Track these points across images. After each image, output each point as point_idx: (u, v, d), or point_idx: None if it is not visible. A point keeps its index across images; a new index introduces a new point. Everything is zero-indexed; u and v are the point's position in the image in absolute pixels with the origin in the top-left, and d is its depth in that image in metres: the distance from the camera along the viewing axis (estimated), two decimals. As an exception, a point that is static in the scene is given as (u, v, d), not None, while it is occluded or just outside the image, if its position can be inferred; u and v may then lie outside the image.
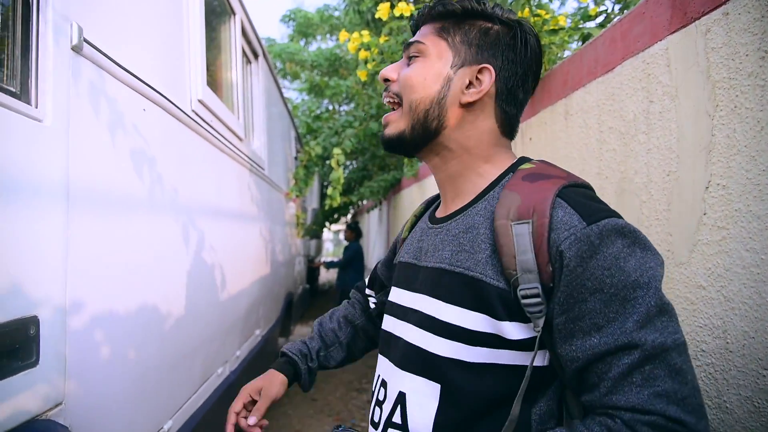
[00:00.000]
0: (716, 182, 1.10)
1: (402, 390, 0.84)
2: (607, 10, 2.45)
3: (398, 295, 0.95)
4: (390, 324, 0.95)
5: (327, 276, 14.44)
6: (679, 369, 0.66)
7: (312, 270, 7.72)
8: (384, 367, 0.92)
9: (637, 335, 0.66)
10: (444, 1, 0.88)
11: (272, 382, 1.09)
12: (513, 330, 0.74)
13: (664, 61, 1.29)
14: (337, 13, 9.63)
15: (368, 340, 1.24)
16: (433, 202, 1.05)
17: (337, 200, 3.71)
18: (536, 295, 0.71)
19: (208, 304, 1.97)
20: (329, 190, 3.72)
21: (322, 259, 10.05)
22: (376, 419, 0.90)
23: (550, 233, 0.71)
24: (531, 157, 0.90)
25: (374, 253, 9.32)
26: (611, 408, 0.68)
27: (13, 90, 0.90)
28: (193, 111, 1.80)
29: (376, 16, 2.53)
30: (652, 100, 1.34)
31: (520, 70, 0.87)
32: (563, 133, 1.91)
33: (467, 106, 0.85)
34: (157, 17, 1.58)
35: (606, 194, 1.57)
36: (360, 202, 7.75)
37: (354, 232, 7.23)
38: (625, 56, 1.49)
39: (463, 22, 0.87)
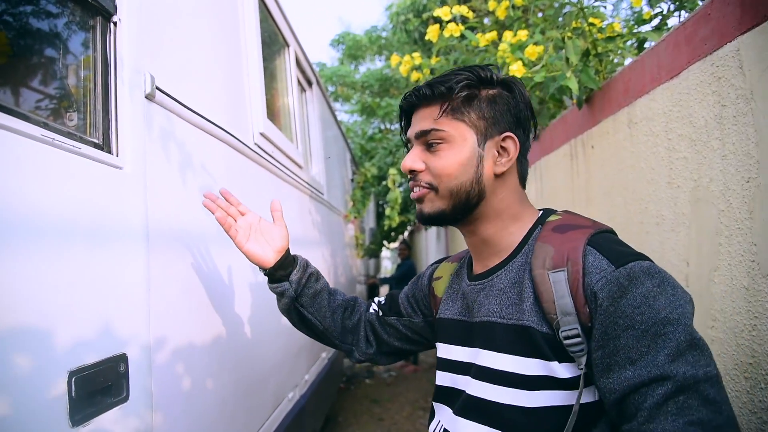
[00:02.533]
0: (804, 188, 1.03)
1: None
2: (662, 11, 2.38)
3: (451, 351, 1.01)
4: (447, 379, 1.00)
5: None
6: (713, 400, 0.69)
7: (372, 289, 7.78)
8: (446, 415, 0.98)
9: (669, 368, 0.70)
10: (444, 82, 0.90)
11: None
12: (562, 369, 0.79)
13: (735, 63, 1.23)
14: (384, 33, 9.76)
15: (345, 328, 1.24)
16: (462, 258, 1.11)
17: (396, 220, 3.73)
18: (577, 335, 0.78)
19: (277, 330, 2.01)
20: (387, 211, 3.74)
21: (379, 276, 10.09)
22: None
23: (584, 278, 0.78)
24: (555, 209, 0.98)
25: (433, 269, 9.27)
26: None
27: (97, 141, 0.96)
28: (255, 144, 1.86)
29: (426, 38, 2.54)
30: (724, 104, 1.29)
31: (526, 124, 0.95)
32: (628, 143, 1.85)
33: (500, 175, 0.92)
34: (218, 58, 1.65)
35: (679, 204, 1.51)
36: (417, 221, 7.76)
37: (409, 248, 7.30)
38: (691, 60, 1.43)
39: (471, 98, 0.90)
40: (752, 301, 1.20)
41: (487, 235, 0.94)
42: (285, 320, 2.14)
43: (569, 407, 0.79)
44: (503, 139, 0.91)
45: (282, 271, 1.18)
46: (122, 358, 0.94)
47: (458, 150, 0.90)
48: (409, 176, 0.95)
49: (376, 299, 1.28)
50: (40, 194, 0.79)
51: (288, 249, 1.20)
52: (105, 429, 0.89)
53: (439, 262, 1.20)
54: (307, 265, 1.23)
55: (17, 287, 0.73)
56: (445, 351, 1.02)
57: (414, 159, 0.93)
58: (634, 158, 1.81)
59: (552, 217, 0.93)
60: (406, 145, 0.99)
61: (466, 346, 0.96)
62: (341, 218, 4.49)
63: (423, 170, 0.92)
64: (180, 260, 1.23)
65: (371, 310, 1.25)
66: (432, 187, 0.91)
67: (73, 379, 0.82)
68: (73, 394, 0.82)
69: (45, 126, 0.82)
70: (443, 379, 1.02)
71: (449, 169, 0.89)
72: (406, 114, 0.99)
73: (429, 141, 0.91)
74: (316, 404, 2.74)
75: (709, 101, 1.35)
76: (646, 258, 0.79)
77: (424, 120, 0.92)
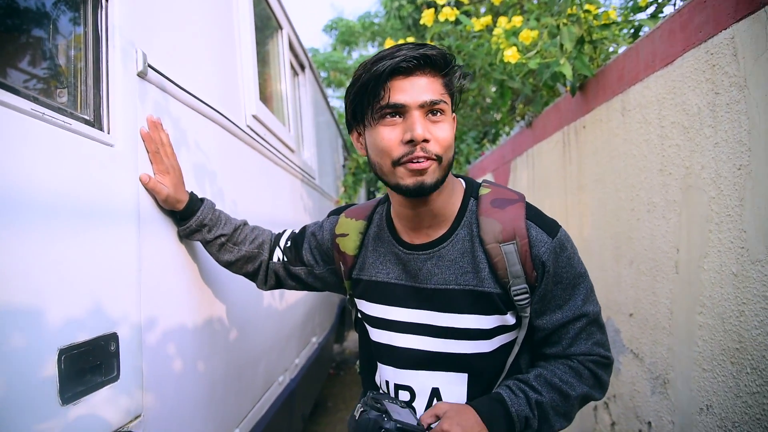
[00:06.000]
0: (795, 175, 1.04)
1: (434, 386, 1.04)
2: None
3: (389, 312, 1.08)
4: (386, 337, 1.09)
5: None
6: (602, 325, 1.06)
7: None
8: (395, 373, 1.08)
9: (584, 308, 1.02)
10: (438, 53, 0.92)
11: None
12: (510, 318, 1.01)
13: (730, 50, 1.24)
14: (377, 20, 9.69)
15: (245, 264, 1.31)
16: (369, 217, 1.15)
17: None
18: (525, 292, 0.98)
19: (268, 314, 2.01)
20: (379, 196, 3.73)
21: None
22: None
23: (531, 249, 0.97)
24: (471, 178, 1.09)
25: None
26: (570, 355, 1.03)
27: (88, 118, 0.94)
28: (248, 126, 1.84)
29: (421, 22, 2.52)
30: (718, 92, 1.29)
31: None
32: (621, 130, 1.85)
33: None
34: (212, 38, 1.63)
35: (670, 191, 1.52)
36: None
37: None
38: (686, 48, 1.43)
39: (455, 74, 0.95)
40: (740, 288, 1.21)
41: (438, 205, 1.01)
42: (276, 304, 2.14)
43: (511, 342, 1.04)
44: (453, 118, 0.99)
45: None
46: (113, 337, 0.94)
47: (451, 122, 0.95)
48: (408, 146, 0.90)
49: (281, 243, 1.30)
50: (28, 169, 0.78)
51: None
52: (95, 407, 0.88)
53: (335, 214, 1.24)
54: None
55: (6, 264, 0.72)
56: (380, 311, 1.09)
57: (425, 129, 0.90)
58: (626, 145, 1.81)
59: (482, 191, 1.05)
60: (385, 111, 0.91)
61: (410, 308, 1.05)
62: (333, 204, 4.48)
63: (431, 140, 0.91)
64: (171, 240, 1.22)
65: (275, 259, 1.29)
66: (438, 158, 0.92)
67: (63, 357, 0.81)
68: (63, 372, 0.81)
69: (35, 100, 0.80)
70: (381, 336, 1.10)
71: (450, 141, 0.94)
72: (382, 78, 0.89)
73: (432, 110, 0.92)
74: (305, 388, 2.75)
75: (703, 89, 1.35)
76: (557, 223, 1.02)
77: (427, 89, 0.90)
